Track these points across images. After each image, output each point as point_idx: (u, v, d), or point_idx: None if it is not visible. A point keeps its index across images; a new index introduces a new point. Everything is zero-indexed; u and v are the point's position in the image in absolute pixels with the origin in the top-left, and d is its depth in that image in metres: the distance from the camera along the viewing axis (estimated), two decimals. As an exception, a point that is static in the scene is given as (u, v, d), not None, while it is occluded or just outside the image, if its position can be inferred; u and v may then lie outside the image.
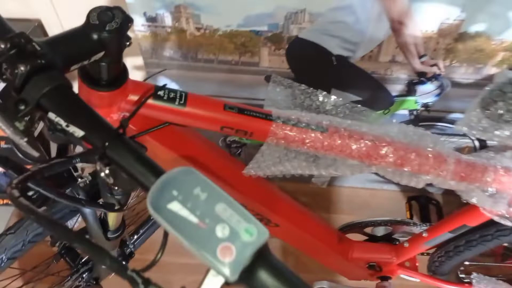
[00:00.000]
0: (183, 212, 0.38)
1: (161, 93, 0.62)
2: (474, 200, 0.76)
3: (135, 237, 1.35)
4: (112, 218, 0.83)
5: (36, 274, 1.10)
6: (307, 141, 0.67)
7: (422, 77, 1.29)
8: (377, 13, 1.15)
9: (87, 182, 0.79)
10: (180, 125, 0.66)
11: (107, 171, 0.47)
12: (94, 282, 1.13)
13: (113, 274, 1.08)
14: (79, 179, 0.78)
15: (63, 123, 0.44)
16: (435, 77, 1.28)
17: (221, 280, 0.39)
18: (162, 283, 1.38)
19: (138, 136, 0.65)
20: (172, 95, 0.63)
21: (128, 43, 0.55)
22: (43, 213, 0.42)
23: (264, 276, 0.39)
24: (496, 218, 0.81)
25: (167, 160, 0.71)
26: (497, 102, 0.60)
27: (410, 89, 1.33)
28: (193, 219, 0.38)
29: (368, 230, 1.19)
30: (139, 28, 1.26)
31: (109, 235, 0.86)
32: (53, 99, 0.45)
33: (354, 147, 0.68)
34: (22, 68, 0.44)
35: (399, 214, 1.66)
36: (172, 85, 1.36)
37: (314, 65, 1.30)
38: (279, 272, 0.40)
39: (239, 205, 0.39)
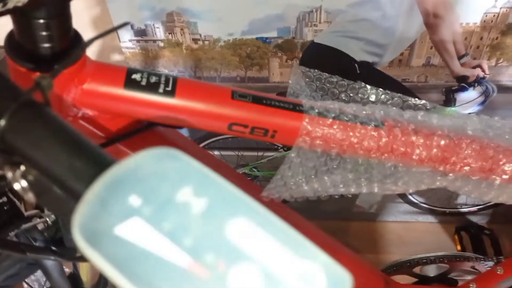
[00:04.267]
0: (154, 241, 0.17)
1: (136, 76, 0.41)
2: None
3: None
4: (85, 272, 0.60)
5: None
6: (356, 141, 0.46)
7: (462, 82, 1.09)
8: (408, 5, 0.96)
9: (49, 223, 0.57)
10: (168, 126, 0.45)
11: (23, 183, 0.25)
12: None
13: None
14: (37, 219, 0.56)
15: None
16: (478, 81, 1.08)
17: None
18: None
19: (107, 147, 0.44)
20: (153, 79, 0.42)
21: (76, -12, 0.34)
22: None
23: None
24: None
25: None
26: None
27: (449, 97, 1.13)
28: (178, 256, 0.16)
29: (417, 270, 0.96)
30: (127, 44, 1.08)
31: (85, 295, 0.64)
32: None
33: (422, 146, 0.47)
34: None
35: (443, 249, 1.43)
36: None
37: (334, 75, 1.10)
38: None
39: (280, 221, 0.18)
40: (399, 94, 0.58)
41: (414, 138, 0.47)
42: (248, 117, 0.44)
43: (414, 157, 0.47)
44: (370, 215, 1.54)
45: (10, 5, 0.31)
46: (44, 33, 0.35)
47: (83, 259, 0.43)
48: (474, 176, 0.49)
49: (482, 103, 1.12)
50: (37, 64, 0.37)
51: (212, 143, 1.27)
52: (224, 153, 1.32)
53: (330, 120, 0.45)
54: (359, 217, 1.53)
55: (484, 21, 0.97)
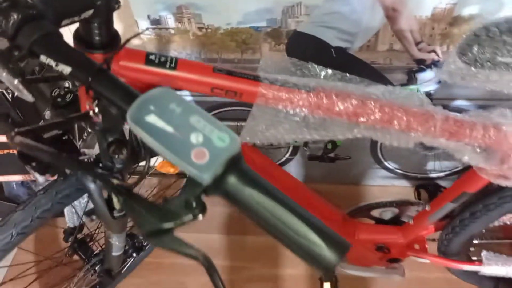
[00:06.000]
0: (160, 123, 0.41)
1: (152, 57, 0.66)
2: (466, 158, 0.77)
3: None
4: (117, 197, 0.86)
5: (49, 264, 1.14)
6: (295, 100, 0.70)
7: (421, 65, 1.31)
8: (371, 1, 1.18)
9: (91, 160, 0.83)
10: (173, 89, 0.69)
11: (96, 109, 0.50)
12: (106, 274, 1.15)
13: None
14: (85, 155, 0.82)
15: (53, 63, 0.48)
16: (434, 63, 1.30)
17: (199, 189, 0.42)
18: (176, 284, 1.42)
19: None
20: (163, 59, 0.67)
21: (117, 6, 0.59)
22: (45, 147, 0.46)
23: (235, 182, 0.42)
24: (492, 179, 0.82)
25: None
26: (472, 47, 0.62)
27: (411, 77, 1.35)
28: (169, 129, 0.41)
29: (376, 214, 1.20)
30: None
31: (115, 213, 0.89)
32: (43, 44, 0.49)
33: (340, 105, 0.71)
34: (15, 16, 0.48)
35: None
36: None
37: (314, 58, 1.32)
38: (251, 178, 0.42)
39: (213, 118, 0.42)
40: (338, 71, 0.81)
41: (334, 98, 0.70)
42: (223, 84, 0.68)
43: (334, 112, 0.71)
44: (354, 180, 1.78)
45: (82, 17, 0.56)
46: (97, 31, 0.60)
47: (115, 178, 0.68)
48: (377, 125, 0.73)
49: (439, 81, 1.35)
50: (92, 50, 0.62)
51: (215, 115, 1.52)
52: (225, 123, 1.56)
53: (278, 86, 0.69)
54: (343, 181, 1.77)
55: (434, 14, 1.18)
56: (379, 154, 1.63)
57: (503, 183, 0.81)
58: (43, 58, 0.49)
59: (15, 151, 1.52)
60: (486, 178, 0.84)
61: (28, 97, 0.51)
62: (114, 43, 0.63)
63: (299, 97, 0.70)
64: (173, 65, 0.67)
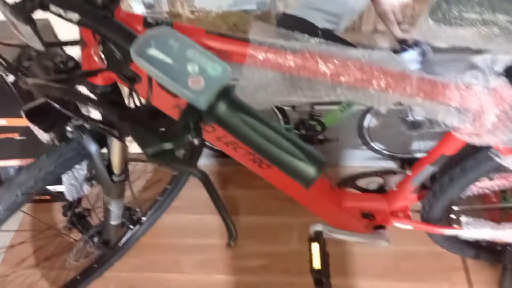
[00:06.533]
0: (160, 55, 0.47)
1: (150, 20, 0.72)
2: (439, 117, 0.83)
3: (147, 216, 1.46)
4: (116, 160, 0.91)
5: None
6: (281, 60, 0.76)
7: (403, 45, 1.37)
8: (355, -17, 1.25)
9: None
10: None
11: (101, 54, 0.56)
12: (104, 245, 1.20)
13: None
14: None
15: (62, 12, 0.54)
16: (416, 44, 1.37)
17: (196, 114, 0.47)
18: (172, 263, 1.48)
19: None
20: (160, 22, 0.72)
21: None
22: (55, 84, 0.52)
23: (227, 109, 0.47)
24: (467, 138, 0.88)
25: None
26: (441, 6, 0.69)
27: (394, 58, 1.41)
28: (168, 60, 0.47)
29: (361, 185, 1.26)
30: (139, 15, 1.37)
31: (114, 178, 0.95)
32: None
33: (324, 65, 0.77)
34: None
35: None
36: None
37: (302, 40, 1.40)
38: (240, 105, 0.48)
39: (208, 51, 0.48)
40: (323, 40, 0.87)
41: (318, 59, 0.76)
42: (215, 45, 0.74)
43: (319, 72, 0.77)
44: (342, 161, 1.85)
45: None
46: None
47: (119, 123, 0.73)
48: (357, 85, 0.79)
49: (422, 62, 1.42)
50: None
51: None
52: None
53: (266, 47, 0.75)
54: (332, 162, 1.84)
55: (415, -5, 1.25)
56: (366, 136, 1.69)
57: (476, 141, 0.87)
58: (52, 7, 0.54)
59: (13, 135, 1.57)
60: (461, 139, 0.91)
61: (40, 44, 0.56)
62: (113, 4, 0.68)
63: (286, 58, 0.75)
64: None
